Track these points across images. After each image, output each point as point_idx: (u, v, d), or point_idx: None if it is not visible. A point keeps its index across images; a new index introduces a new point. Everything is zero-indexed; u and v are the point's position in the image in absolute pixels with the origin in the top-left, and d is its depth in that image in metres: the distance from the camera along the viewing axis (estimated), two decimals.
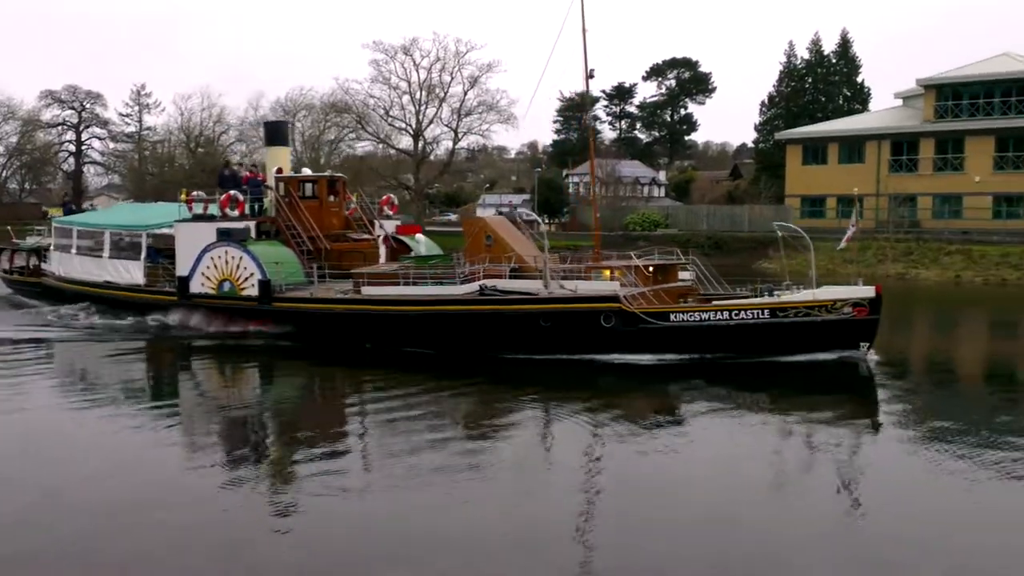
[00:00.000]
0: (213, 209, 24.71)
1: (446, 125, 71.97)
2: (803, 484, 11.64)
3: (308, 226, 24.41)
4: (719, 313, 18.65)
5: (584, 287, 19.82)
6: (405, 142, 73.09)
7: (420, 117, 70.68)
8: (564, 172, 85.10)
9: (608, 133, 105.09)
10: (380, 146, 74.74)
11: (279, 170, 25.78)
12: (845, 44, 70.73)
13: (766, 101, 71.40)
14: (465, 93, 70.94)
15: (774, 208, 54.45)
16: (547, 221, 67.95)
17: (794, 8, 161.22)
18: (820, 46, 70.42)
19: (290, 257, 23.41)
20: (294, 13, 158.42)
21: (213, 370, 20.51)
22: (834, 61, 70.64)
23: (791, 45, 76.41)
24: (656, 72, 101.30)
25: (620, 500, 10.79)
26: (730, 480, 11.40)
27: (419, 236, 27.60)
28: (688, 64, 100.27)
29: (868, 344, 18.73)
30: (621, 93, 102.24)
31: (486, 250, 21.67)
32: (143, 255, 25.82)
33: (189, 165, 74.33)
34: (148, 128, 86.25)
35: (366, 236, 26.16)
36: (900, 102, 58.76)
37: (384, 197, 29.04)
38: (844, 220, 53.36)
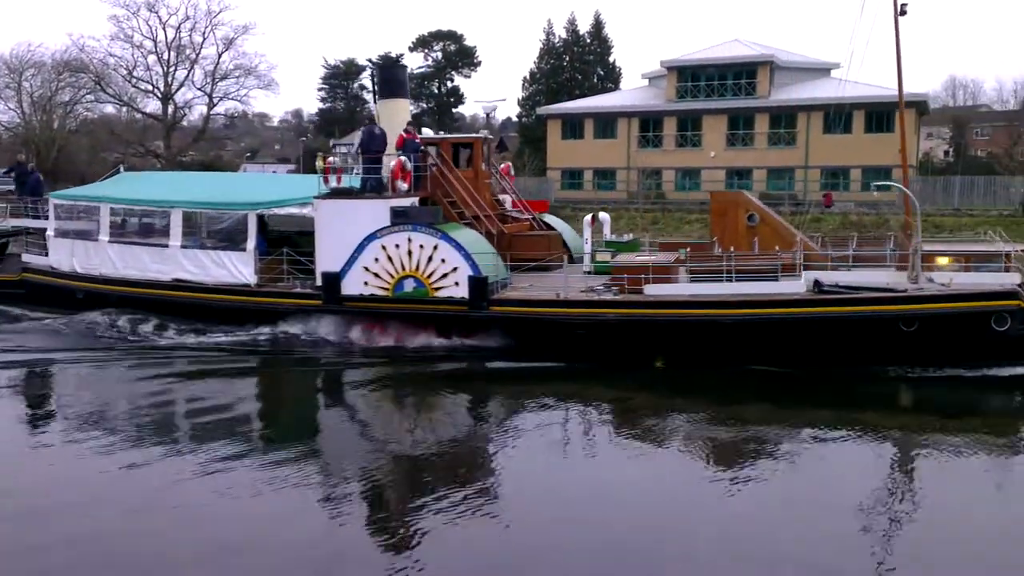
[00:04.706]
0: (347, 181, 19.54)
1: (199, 89, 67.64)
2: None
3: (471, 203, 19.51)
4: None
5: (964, 280, 16.05)
6: (153, 106, 67.82)
7: (169, 79, 65.82)
8: (331, 142, 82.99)
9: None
10: (124, 109, 68.67)
11: (408, 129, 20.53)
12: (598, 25, 74.72)
13: (528, 77, 73.89)
14: (219, 55, 66.99)
15: (537, 180, 56.62)
16: None
17: None
18: (576, 26, 73.89)
19: (491, 247, 18.36)
20: None
21: (410, 409, 15.05)
22: (589, 41, 74.40)
23: (549, 23, 79.80)
24: (422, 43, 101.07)
25: None
26: None
27: (603, 215, 22.76)
28: (453, 37, 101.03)
29: None
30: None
31: (748, 232, 17.98)
32: (251, 243, 19.44)
33: None
34: None
35: (525, 216, 21.22)
36: (647, 82, 63.10)
37: (504, 165, 23.54)
38: (601, 192, 57.29)
